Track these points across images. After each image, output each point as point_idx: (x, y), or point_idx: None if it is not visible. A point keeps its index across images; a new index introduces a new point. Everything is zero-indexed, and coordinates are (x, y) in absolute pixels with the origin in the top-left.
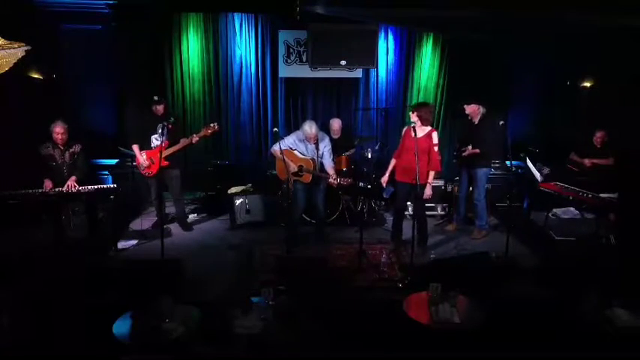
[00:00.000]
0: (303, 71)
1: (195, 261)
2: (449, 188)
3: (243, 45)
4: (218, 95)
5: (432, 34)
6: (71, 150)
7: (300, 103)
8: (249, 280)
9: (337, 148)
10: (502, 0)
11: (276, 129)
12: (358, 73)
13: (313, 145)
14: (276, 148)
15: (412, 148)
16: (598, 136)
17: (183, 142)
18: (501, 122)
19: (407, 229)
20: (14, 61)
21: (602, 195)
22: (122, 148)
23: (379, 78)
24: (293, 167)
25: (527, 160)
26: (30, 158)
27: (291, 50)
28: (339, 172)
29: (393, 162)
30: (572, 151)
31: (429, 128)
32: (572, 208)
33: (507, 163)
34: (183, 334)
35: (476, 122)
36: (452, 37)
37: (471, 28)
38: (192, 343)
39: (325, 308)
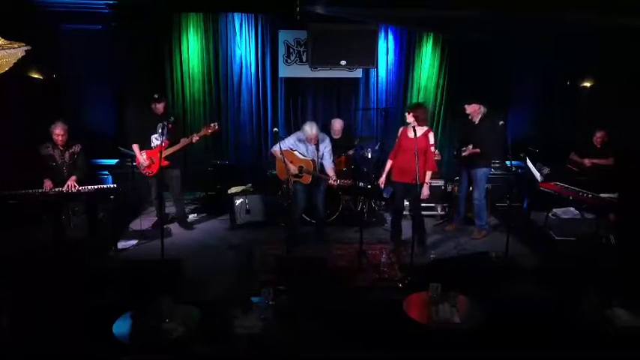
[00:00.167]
0: (303, 71)
1: (195, 261)
2: (449, 188)
3: (243, 45)
4: (218, 95)
5: (432, 34)
6: (71, 150)
7: (300, 103)
8: (249, 280)
9: (338, 148)
10: (502, 0)
11: (276, 129)
12: (358, 73)
13: (313, 146)
14: (276, 148)
15: (410, 148)
16: (598, 136)
17: (183, 141)
18: (501, 122)
19: (406, 229)
20: (14, 61)
21: (602, 195)
22: (122, 148)
23: (379, 78)
24: (293, 169)
25: (527, 160)
26: (30, 158)
27: (291, 50)
28: (339, 172)
29: (389, 163)
30: (572, 151)
31: (425, 128)
32: (572, 208)
33: (507, 163)
34: (183, 334)
35: (476, 122)
36: (452, 37)
37: (471, 28)
38: (192, 343)
39: (325, 308)
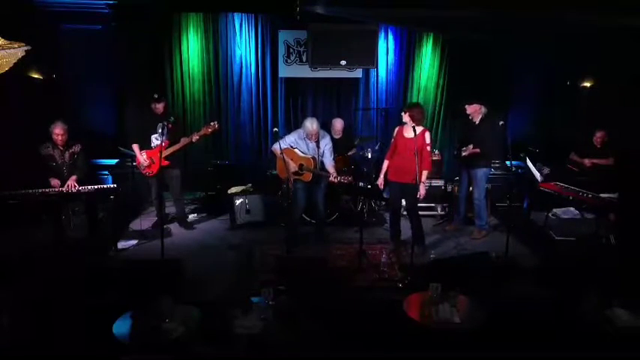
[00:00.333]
0: (303, 71)
1: (195, 261)
2: (449, 188)
3: (243, 45)
4: (218, 95)
5: (432, 34)
6: (71, 150)
7: (300, 103)
8: (249, 280)
9: (338, 148)
10: (502, 0)
11: (276, 129)
12: (358, 73)
13: (314, 144)
14: (276, 146)
15: (406, 147)
16: (598, 136)
17: (183, 141)
18: (501, 122)
19: (406, 229)
20: (14, 61)
21: (602, 195)
22: (122, 148)
23: (379, 78)
24: (293, 166)
25: (527, 160)
26: (30, 158)
27: (291, 50)
28: (338, 171)
29: (386, 163)
30: (572, 151)
31: (421, 128)
32: (572, 208)
33: (507, 163)
34: (183, 334)
35: (476, 122)
36: (452, 37)
37: (471, 28)
38: (192, 343)
39: (325, 308)
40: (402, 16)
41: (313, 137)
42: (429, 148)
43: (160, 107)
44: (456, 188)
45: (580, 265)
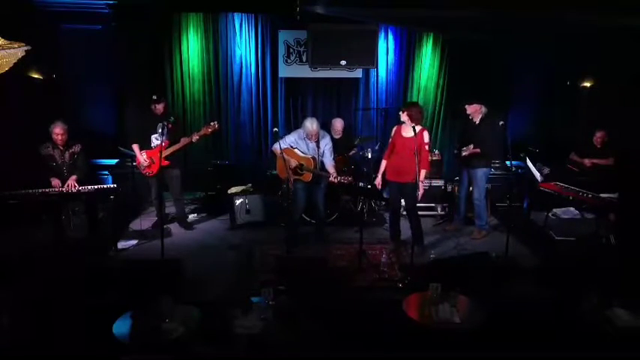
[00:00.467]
0: (303, 71)
1: (195, 261)
2: (449, 188)
3: (243, 45)
4: (218, 95)
5: (432, 34)
6: (71, 150)
7: (300, 103)
8: (249, 280)
9: (338, 148)
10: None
11: (276, 129)
12: (358, 73)
13: (314, 144)
14: (277, 146)
15: (405, 147)
16: (598, 136)
17: (183, 141)
18: (501, 122)
19: (406, 229)
20: (14, 61)
21: (602, 195)
22: (122, 148)
23: (379, 78)
24: (293, 162)
25: (527, 160)
26: (30, 158)
27: (291, 50)
28: (338, 172)
29: (383, 163)
30: (572, 151)
31: (419, 127)
32: (572, 208)
33: (507, 163)
34: (183, 334)
35: (476, 122)
36: (452, 37)
37: (471, 28)
38: (192, 343)
39: (325, 308)
40: (402, 16)
41: (313, 137)
42: (427, 147)
43: (159, 108)
44: (456, 188)
45: (580, 265)
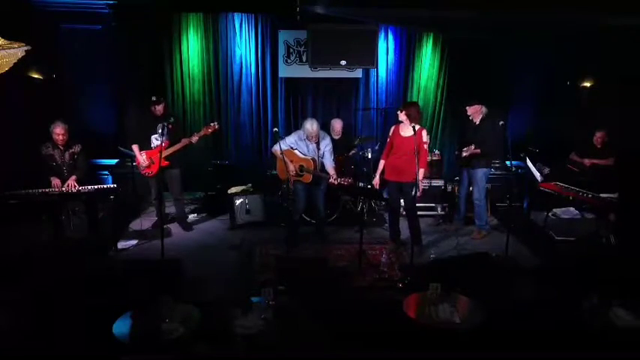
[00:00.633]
0: (303, 71)
1: (195, 261)
2: (449, 188)
3: (243, 45)
4: (218, 95)
5: (432, 34)
6: (71, 150)
7: (300, 103)
8: (249, 280)
9: (338, 148)
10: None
11: (276, 129)
12: (358, 73)
13: (314, 145)
14: (276, 148)
15: (403, 146)
16: (598, 136)
17: (183, 141)
18: (501, 122)
19: (405, 229)
20: (14, 61)
21: (602, 195)
22: (122, 148)
23: (379, 78)
24: (293, 169)
25: (527, 160)
26: (30, 158)
27: (291, 50)
28: (337, 173)
29: (382, 163)
30: (572, 151)
31: (418, 127)
32: (572, 208)
33: (507, 163)
34: (183, 334)
35: (477, 122)
36: (452, 37)
37: (471, 28)
38: (192, 343)
39: (325, 308)
40: (402, 16)
41: (313, 138)
42: (425, 146)
43: (159, 109)
44: (456, 188)
45: (580, 265)
